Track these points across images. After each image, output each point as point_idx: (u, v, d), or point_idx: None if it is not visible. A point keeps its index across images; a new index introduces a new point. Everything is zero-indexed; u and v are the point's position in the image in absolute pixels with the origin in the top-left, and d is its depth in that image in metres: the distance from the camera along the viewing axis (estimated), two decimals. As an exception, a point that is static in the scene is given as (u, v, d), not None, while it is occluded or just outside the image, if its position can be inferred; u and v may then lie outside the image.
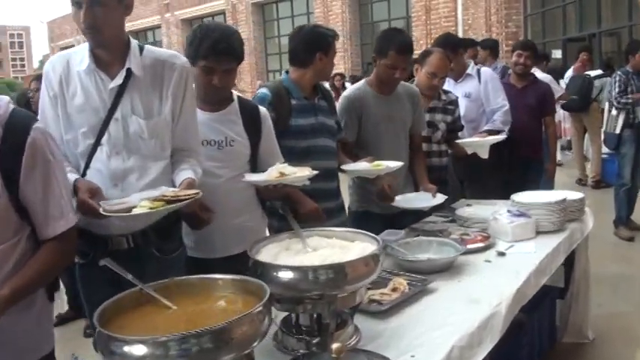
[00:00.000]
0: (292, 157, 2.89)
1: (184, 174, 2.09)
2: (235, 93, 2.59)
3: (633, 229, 5.97)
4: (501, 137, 3.89)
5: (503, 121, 4.28)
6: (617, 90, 5.79)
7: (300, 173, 2.27)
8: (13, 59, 75.40)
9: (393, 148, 3.33)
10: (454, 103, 3.92)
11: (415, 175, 3.48)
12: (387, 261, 2.52)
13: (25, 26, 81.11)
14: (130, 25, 28.70)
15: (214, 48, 2.31)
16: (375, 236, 1.94)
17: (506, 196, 4.26)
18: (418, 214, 3.29)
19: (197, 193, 1.88)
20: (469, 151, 3.79)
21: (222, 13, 24.77)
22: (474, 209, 3.33)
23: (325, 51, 2.90)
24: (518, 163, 4.55)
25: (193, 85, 2.25)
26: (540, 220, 2.92)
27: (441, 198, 3.24)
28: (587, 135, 8.41)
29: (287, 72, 3.03)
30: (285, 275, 1.68)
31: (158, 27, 28.10)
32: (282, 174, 2.24)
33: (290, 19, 22.76)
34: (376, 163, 2.91)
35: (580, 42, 12.62)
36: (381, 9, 20.17)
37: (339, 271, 1.69)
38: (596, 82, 7.96)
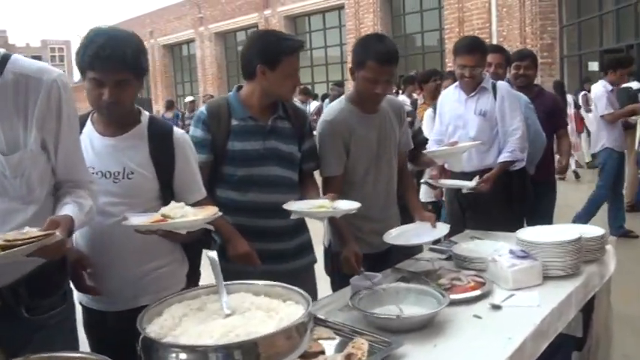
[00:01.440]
0: (229, 186, 2.53)
1: (64, 210, 1.68)
2: (147, 113, 2.17)
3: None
4: (476, 143, 3.47)
5: (521, 148, 3.67)
6: None
7: (196, 216, 1.86)
8: (55, 72, 76.54)
9: (387, 176, 2.90)
10: (410, 114, 3.50)
11: (406, 201, 3.01)
12: (353, 314, 2.10)
13: (66, 40, 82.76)
14: (165, 39, 29.26)
15: (99, 55, 1.89)
16: (308, 297, 1.51)
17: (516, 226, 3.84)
18: (412, 249, 2.85)
19: (48, 235, 1.46)
20: (439, 162, 3.43)
21: (255, 26, 24.90)
22: (475, 245, 2.86)
23: (269, 64, 2.42)
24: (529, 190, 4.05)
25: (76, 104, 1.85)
26: (549, 263, 2.44)
27: (443, 229, 2.78)
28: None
29: (239, 87, 2.62)
30: (177, 357, 1.28)
31: (192, 40, 28.34)
32: (165, 217, 1.83)
33: (322, 31, 22.69)
34: (320, 203, 2.41)
35: (618, 53, 12.05)
36: (414, 21, 19.97)
37: (248, 351, 1.28)
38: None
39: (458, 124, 3.72)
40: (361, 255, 2.60)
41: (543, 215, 4.21)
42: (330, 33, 22.11)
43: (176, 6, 29.40)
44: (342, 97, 2.93)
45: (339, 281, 2.77)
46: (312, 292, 2.65)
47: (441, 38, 18.45)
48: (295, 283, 2.55)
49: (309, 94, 12.56)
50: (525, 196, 3.82)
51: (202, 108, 2.61)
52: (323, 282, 2.92)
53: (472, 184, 3.42)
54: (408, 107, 3.54)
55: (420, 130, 3.56)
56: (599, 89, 6.33)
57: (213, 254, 1.67)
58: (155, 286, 2.08)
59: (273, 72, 2.43)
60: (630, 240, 6.28)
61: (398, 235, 2.73)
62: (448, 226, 2.79)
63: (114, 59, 1.90)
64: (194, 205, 2.04)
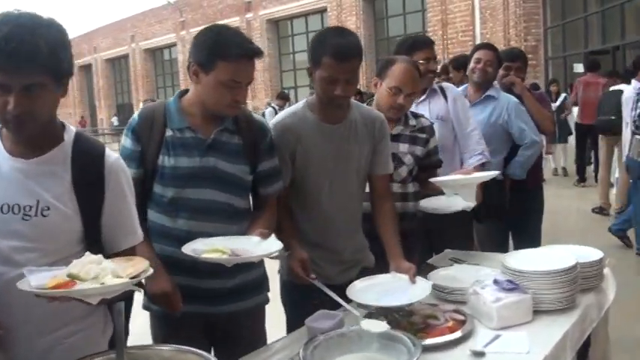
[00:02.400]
0: (159, 208, 2.14)
1: None
2: (73, 129, 1.71)
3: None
4: (495, 173, 2.91)
5: (485, 148, 3.35)
6: (638, 111, 4.89)
7: (117, 275, 1.45)
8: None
9: (346, 199, 2.45)
10: (427, 130, 2.93)
11: (382, 241, 2.43)
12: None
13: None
14: (146, 44, 28.84)
15: (1, 50, 1.44)
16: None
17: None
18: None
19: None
20: (448, 194, 2.80)
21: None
22: (455, 271, 2.50)
23: (202, 65, 2.02)
24: (518, 198, 3.70)
25: None
26: (540, 295, 2.08)
27: (423, 289, 2.13)
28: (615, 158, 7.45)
29: (183, 92, 2.21)
30: None
31: (174, 44, 27.98)
32: (72, 278, 1.40)
33: (305, 35, 22.38)
34: (218, 246, 1.94)
35: (603, 55, 11.85)
36: (397, 24, 19.78)
37: None
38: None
39: None
40: (307, 259, 2.23)
41: (532, 230, 3.87)
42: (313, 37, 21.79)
43: (157, 10, 29.10)
44: (303, 101, 2.52)
45: (291, 316, 2.42)
46: (259, 337, 2.28)
47: (425, 41, 18.18)
48: (235, 329, 2.22)
49: (286, 99, 12.09)
50: (503, 205, 3.47)
51: (135, 114, 2.20)
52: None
53: (467, 204, 2.85)
54: (427, 121, 2.98)
55: (435, 150, 2.97)
56: (630, 91, 5.91)
57: (120, 305, 1.30)
58: (74, 354, 1.59)
59: (207, 76, 2.02)
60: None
61: (363, 290, 2.17)
62: (429, 285, 2.18)
63: (22, 56, 1.46)
64: (126, 252, 1.68)
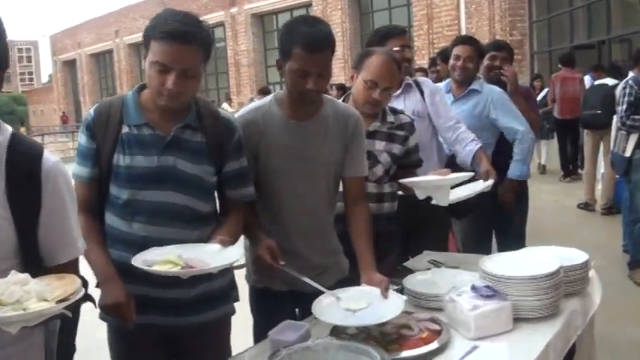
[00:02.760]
0: (115, 211, 1.98)
1: None
2: (9, 129, 1.51)
3: (653, 268, 4.91)
4: (467, 175, 2.62)
5: (475, 137, 3.23)
6: (624, 106, 4.71)
7: (42, 298, 1.29)
8: (22, 73, 75.06)
9: (315, 201, 2.26)
10: (407, 127, 2.74)
11: (356, 251, 2.24)
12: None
13: (34, 40, 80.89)
14: (131, 38, 28.52)
15: None
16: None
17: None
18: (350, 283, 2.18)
19: None
20: (420, 195, 2.57)
21: (222, 24, 24.39)
22: (432, 275, 2.36)
23: (145, 45, 1.86)
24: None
25: None
26: (521, 302, 1.95)
27: (396, 305, 1.92)
28: (600, 153, 7.33)
29: (142, 85, 2.03)
30: None
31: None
32: None
33: (290, 29, 22.10)
34: (171, 256, 1.76)
35: (589, 49, 11.80)
36: (383, 18, 19.64)
37: None
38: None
39: None
40: (276, 247, 2.07)
41: (515, 229, 3.75)
42: (298, 31, 21.59)
43: (142, 4, 28.80)
44: (271, 95, 2.34)
45: (260, 325, 2.27)
46: (224, 350, 2.12)
47: (410, 35, 18.11)
48: (198, 341, 2.07)
49: (268, 94, 11.75)
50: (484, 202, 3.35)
51: (91, 109, 2.03)
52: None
53: (484, 184, 2.77)
54: (406, 118, 2.78)
55: (415, 149, 2.78)
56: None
57: (54, 325, 1.15)
58: None
59: (145, 58, 1.88)
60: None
61: (329, 307, 1.93)
62: (402, 300, 1.94)
63: None
64: (66, 266, 1.51)
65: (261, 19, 23.54)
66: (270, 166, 2.22)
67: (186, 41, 1.80)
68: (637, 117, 4.64)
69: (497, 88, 3.60)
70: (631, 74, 5.10)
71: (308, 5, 21.03)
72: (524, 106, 3.73)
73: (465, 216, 3.25)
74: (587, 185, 7.34)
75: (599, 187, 7.25)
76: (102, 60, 34.28)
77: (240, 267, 2.01)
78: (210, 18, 24.77)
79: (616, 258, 5.22)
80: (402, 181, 2.60)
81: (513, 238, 3.56)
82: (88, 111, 2.05)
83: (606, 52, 11.29)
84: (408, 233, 3.01)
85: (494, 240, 3.89)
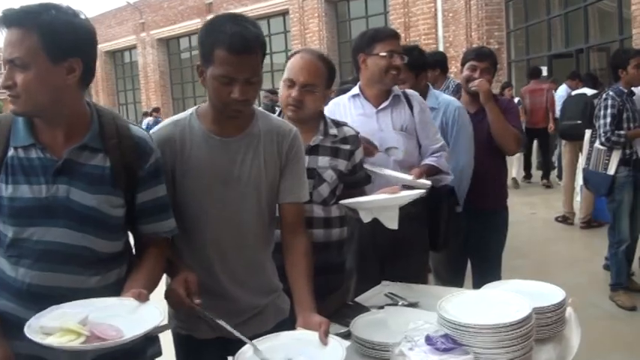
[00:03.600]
0: (2, 252, 1.64)
1: None
2: None
3: (635, 290, 4.61)
4: (419, 192, 2.30)
5: (445, 160, 2.85)
6: (608, 120, 4.27)
7: None
8: None
9: (234, 230, 1.91)
10: (352, 140, 2.40)
11: (291, 289, 1.92)
12: None
13: None
14: (106, 46, 28.03)
15: None
16: None
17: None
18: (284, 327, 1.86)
19: None
20: (365, 218, 2.23)
21: (197, 32, 23.94)
22: (385, 315, 2.03)
23: (50, 54, 1.52)
24: (478, 220, 3.25)
25: None
26: (486, 355, 1.63)
27: (336, 353, 1.60)
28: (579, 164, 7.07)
29: None
30: None
31: (134, 47, 27.31)
32: None
33: (267, 37, 21.62)
34: (72, 325, 1.39)
35: (567, 58, 11.66)
36: (360, 26, 19.38)
37: None
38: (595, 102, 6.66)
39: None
40: (195, 280, 1.72)
41: (492, 257, 3.43)
42: (275, 39, 21.38)
43: (117, 11, 28.40)
44: (191, 109, 1.99)
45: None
46: None
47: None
48: None
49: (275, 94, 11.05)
50: (462, 230, 3.03)
51: None
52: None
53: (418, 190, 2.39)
54: (351, 130, 2.44)
55: (361, 165, 2.46)
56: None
57: None
58: None
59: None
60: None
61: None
62: (344, 349, 1.59)
63: None
64: None
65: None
66: (187, 188, 1.86)
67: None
68: (622, 132, 4.28)
69: (414, 92, 2.96)
70: (616, 85, 4.64)
71: (285, 13, 20.82)
72: (499, 119, 3.30)
73: (444, 247, 2.92)
74: (565, 198, 7.08)
75: (577, 199, 7.00)
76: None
77: (163, 329, 1.65)
78: (186, 26, 24.51)
79: (596, 276, 4.94)
80: (343, 202, 2.28)
81: (489, 268, 3.31)
82: None
83: (584, 61, 11.14)
84: (383, 257, 2.73)
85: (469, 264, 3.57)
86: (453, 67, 16.10)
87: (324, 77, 2.30)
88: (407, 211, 2.33)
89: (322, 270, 2.00)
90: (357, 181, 2.44)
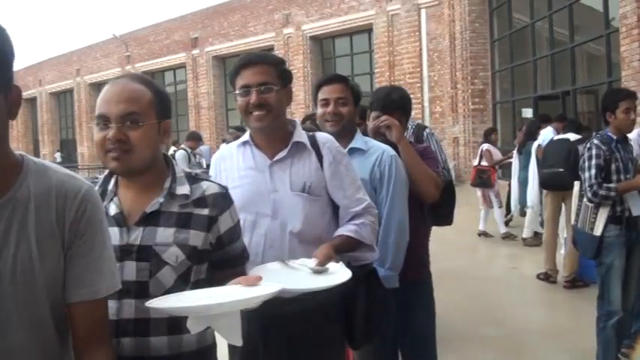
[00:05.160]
0: None
1: None
2: None
3: (627, 362, 3.89)
4: (273, 291, 1.44)
5: (372, 229, 2.09)
6: (593, 172, 3.63)
7: None
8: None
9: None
10: (212, 201, 1.64)
11: None
12: None
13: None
14: (91, 77, 27.66)
15: None
16: None
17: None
18: None
19: None
20: (193, 328, 1.41)
21: (184, 66, 23.96)
22: None
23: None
24: (398, 297, 2.48)
25: None
26: None
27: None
28: (562, 216, 6.43)
29: None
30: None
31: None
32: None
33: (251, 73, 21.53)
34: None
35: (553, 100, 11.26)
36: (345, 64, 19.37)
37: None
38: (580, 149, 6.07)
39: (260, 213, 2.04)
40: None
41: (424, 342, 2.73)
42: (260, 75, 21.03)
43: (103, 43, 28.30)
44: None
45: None
46: None
47: (372, 82, 17.60)
48: None
49: (198, 139, 9.91)
50: (387, 315, 2.34)
51: None
52: None
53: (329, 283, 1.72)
54: (212, 187, 1.72)
55: (232, 235, 1.72)
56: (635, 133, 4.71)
57: None
58: None
59: None
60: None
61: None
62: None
63: None
64: None
65: (222, 60, 23.12)
66: None
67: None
68: (611, 185, 3.62)
69: (325, 135, 2.27)
70: (604, 130, 3.98)
71: (270, 49, 20.54)
72: (416, 165, 2.64)
73: (365, 343, 2.21)
74: (547, 253, 6.29)
75: (562, 251, 6.35)
76: (62, 99, 33.35)
77: None
78: (171, 59, 24.33)
79: (583, 354, 4.17)
80: (147, 303, 1.45)
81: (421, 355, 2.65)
82: None
83: (571, 103, 10.72)
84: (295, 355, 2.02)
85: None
86: (438, 107, 15.86)
87: (151, 104, 1.58)
88: (311, 301, 1.73)
89: None
90: (227, 258, 1.69)
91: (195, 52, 23.39)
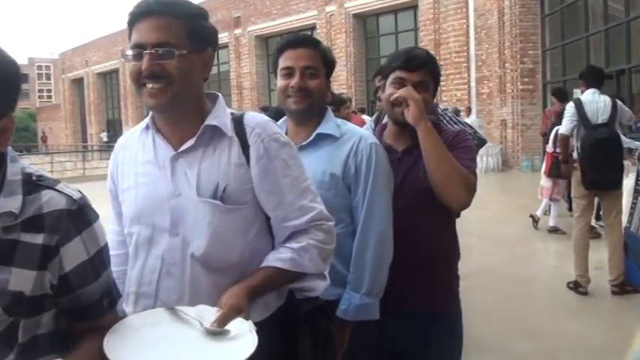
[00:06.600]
0: None
1: None
2: None
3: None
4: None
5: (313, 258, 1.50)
6: None
7: None
8: (40, 90, 74.81)
9: None
10: (56, 222, 1.10)
11: None
12: None
13: (53, 58, 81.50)
14: (98, 68, 27.55)
15: None
16: None
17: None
18: None
19: None
20: None
21: (226, 46, 23.45)
22: None
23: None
24: (410, 333, 1.94)
25: None
26: None
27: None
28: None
29: None
30: None
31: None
32: None
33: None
34: None
35: (607, 80, 10.43)
36: (389, 43, 18.65)
37: None
38: (626, 138, 5.37)
39: (157, 226, 1.51)
40: None
41: None
42: (303, 54, 20.62)
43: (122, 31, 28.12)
44: None
45: None
46: None
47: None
48: None
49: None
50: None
51: None
52: None
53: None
54: (61, 201, 1.13)
55: (82, 275, 1.18)
56: None
57: None
58: None
59: None
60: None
61: None
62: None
63: None
64: None
65: (265, 41, 22.70)
66: None
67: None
68: None
69: (368, 135, 1.97)
70: None
71: (312, 28, 20.14)
72: (439, 156, 1.90)
73: None
74: (576, 256, 5.09)
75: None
76: (108, 79, 33.68)
77: None
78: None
79: None
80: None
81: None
82: None
83: (626, 83, 9.92)
84: None
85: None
86: (486, 88, 15.09)
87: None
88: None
89: None
90: (80, 307, 1.17)
91: (238, 31, 23.09)
